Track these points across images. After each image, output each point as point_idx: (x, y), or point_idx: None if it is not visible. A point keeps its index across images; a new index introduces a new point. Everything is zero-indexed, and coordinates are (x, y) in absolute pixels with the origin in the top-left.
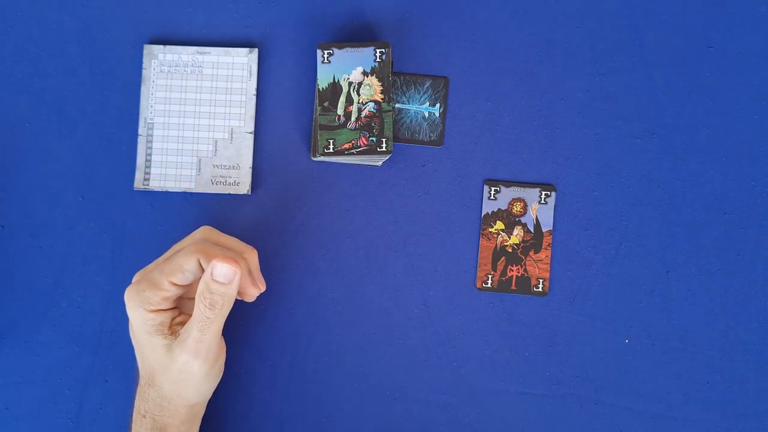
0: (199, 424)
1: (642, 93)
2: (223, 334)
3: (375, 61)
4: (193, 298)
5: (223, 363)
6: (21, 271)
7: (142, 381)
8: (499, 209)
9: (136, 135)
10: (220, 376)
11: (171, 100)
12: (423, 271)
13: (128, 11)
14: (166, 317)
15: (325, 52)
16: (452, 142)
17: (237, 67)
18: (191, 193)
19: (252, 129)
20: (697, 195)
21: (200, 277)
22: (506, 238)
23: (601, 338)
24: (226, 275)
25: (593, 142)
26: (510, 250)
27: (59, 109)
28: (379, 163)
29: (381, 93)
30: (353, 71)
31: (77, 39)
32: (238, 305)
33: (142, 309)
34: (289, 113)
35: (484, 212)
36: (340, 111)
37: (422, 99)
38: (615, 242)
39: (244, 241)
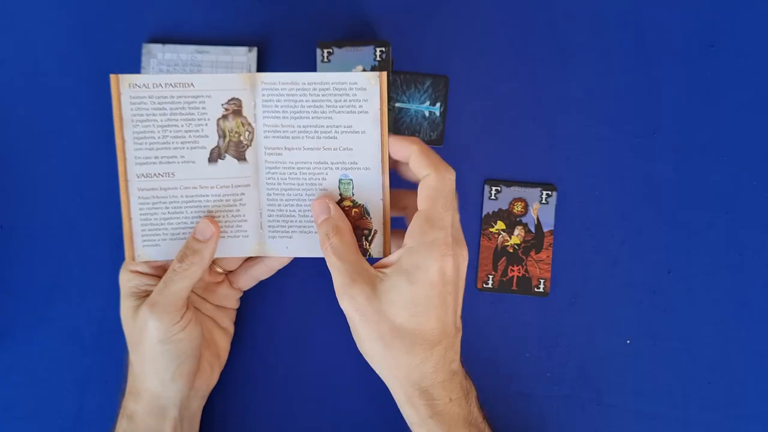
0: (170, 425)
1: (642, 93)
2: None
3: (375, 60)
4: (199, 295)
5: (189, 351)
6: (21, 271)
7: (126, 366)
8: (499, 209)
9: None
10: (187, 368)
11: None
12: None
13: (127, 10)
14: (142, 281)
15: (325, 51)
16: (452, 142)
17: (236, 66)
18: None
19: None
20: (697, 195)
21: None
22: (507, 238)
23: (602, 338)
24: (203, 231)
25: (594, 141)
26: (511, 251)
27: (59, 109)
28: None
29: None
30: (353, 70)
31: (76, 38)
32: (239, 304)
33: (125, 270)
34: None
35: (484, 212)
36: None
37: (422, 98)
38: (616, 242)
39: None
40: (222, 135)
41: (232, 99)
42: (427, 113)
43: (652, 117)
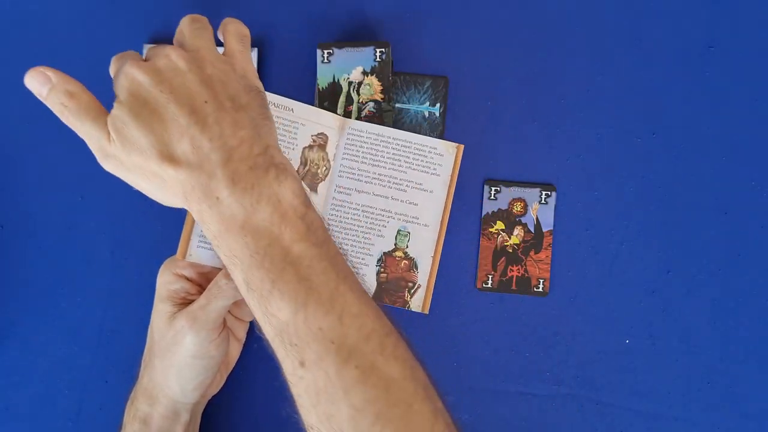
0: (181, 428)
1: (642, 93)
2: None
3: (375, 60)
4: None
5: (216, 365)
6: (21, 271)
7: (142, 366)
8: (499, 209)
9: None
10: (209, 379)
11: None
12: None
13: (128, 11)
14: (183, 286)
15: (325, 51)
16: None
17: None
18: None
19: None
20: (697, 195)
21: None
22: (506, 238)
23: (602, 338)
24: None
25: (593, 142)
26: (510, 250)
27: None
28: None
29: (381, 93)
30: (353, 71)
31: (77, 39)
32: None
33: (169, 271)
34: None
35: (484, 212)
36: (339, 111)
37: (422, 99)
38: (615, 242)
39: None
40: (303, 163)
41: (321, 133)
42: (426, 113)
43: (651, 117)
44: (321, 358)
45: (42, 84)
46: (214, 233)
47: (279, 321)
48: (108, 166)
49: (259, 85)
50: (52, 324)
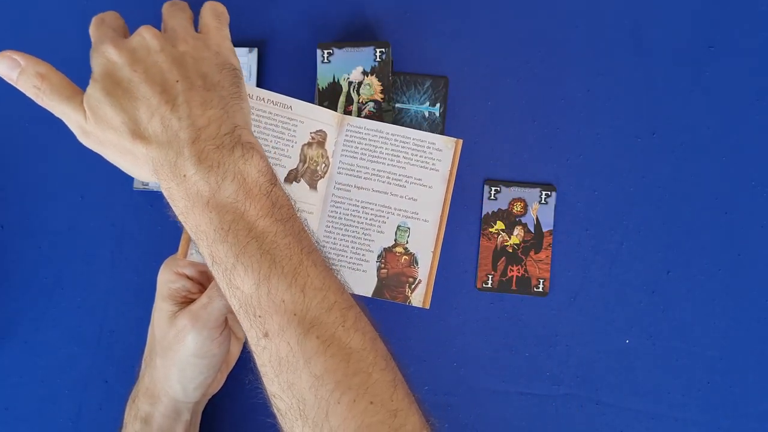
0: (182, 427)
1: (642, 93)
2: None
3: (375, 60)
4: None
5: (218, 363)
6: (21, 271)
7: (143, 365)
8: (499, 209)
9: None
10: (210, 378)
11: None
12: None
13: (128, 11)
14: (185, 285)
15: (325, 51)
16: None
17: None
18: None
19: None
20: (697, 195)
21: None
22: (506, 238)
23: (602, 338)
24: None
25: (593, 142)
26: (510, 250)
27: None
28: None
29: (381, 92)
30: (353, 71)
31: (77, 38)
32: None
33: (170, 270)
34: None
35: (484, 212)
36: (339, 111)
37: (422, 99)
38: (615, 242)
39: None
40: (303, 160)
41: (320, 130)
42: (426, 113)
43: (651, 117)
44: (283, 329)
45: (10, 68)
46: (181, 210)
47: (243, 293)
48: (87, 142)
49: (235, 62)
50: (52, 324)
